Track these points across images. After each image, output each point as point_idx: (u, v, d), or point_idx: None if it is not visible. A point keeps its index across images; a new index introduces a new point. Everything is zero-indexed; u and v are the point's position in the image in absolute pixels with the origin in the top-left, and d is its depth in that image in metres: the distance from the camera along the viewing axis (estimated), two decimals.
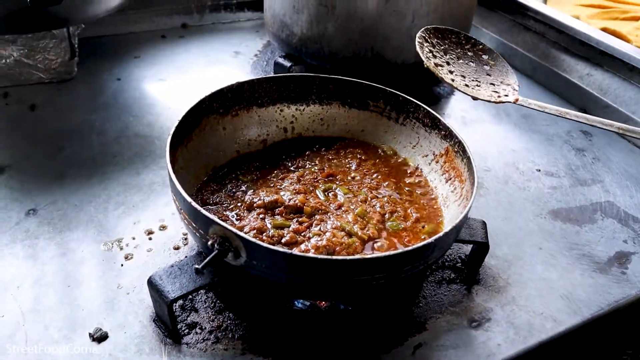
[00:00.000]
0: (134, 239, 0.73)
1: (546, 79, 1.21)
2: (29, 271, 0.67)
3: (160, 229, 0.75)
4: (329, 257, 0.48)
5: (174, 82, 1.12)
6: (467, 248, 0.75)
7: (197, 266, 0.49)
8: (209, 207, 0.67)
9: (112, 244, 0.72)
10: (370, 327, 0.63)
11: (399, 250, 0.49)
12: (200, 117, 0.72)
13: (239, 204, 0.67)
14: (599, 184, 0.92)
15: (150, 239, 0.73)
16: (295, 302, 0.65)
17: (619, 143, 1.04)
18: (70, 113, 0.98)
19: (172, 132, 0.63)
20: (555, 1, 1.61)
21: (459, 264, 0.73)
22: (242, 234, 0.49)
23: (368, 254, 0.60)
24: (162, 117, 1.00)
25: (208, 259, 0.49)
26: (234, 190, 0.70)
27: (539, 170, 0.94)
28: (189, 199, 0.52)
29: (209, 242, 0.51)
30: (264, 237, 0.60)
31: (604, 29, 1.28)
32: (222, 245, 0.50)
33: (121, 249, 0.71)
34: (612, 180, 0.93)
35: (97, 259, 0.69)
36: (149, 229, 0.74)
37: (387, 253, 0.48)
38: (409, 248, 0.50)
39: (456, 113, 1.10)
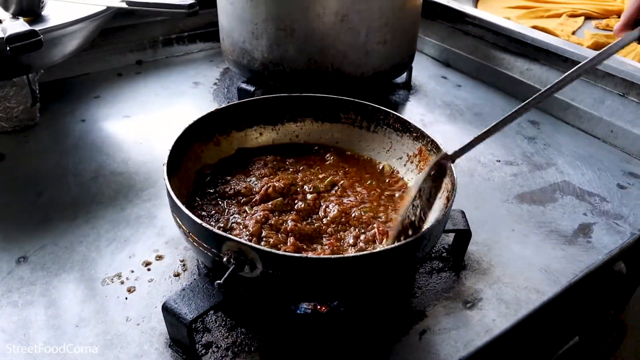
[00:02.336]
0: (132, 272, 0.74)
1: (490, 78, 1.30)
2: (33, 317, 0.66)
3: (157, 259, 0.76)
4: (344, 255, 0.51)
5: (139, 117, 1.13)
6: (449, 239, 0.80)
7: (219, 281, 0.51)
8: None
9: (112, 279, 0.72)
10: (376, 321, 0.67)
11: (403, 242, 0.54)
12: (186, 147, 0.74)
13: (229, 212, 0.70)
14: (553, 166, 1.01)
15: (149, 269, 0.74)
16: (298, 309, 0.68)
17: (564, 128, 1.14)
18: (41, 158, 0.97)
19: (166, 161, 0.65)
20: (485, 6, 1.74)
21: (445, 254, 0.79)
22: (257, 246, 0.52)
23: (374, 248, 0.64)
24: (134, 152, 1.01)
25: (227, 273, 0.52)
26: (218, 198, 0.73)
27: (499, 161, 1.02)
28: (199, 221, 0.55)
29: (225, 259, 0.53)
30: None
31: (534, 27, 1.40)
32: (237, 259, 0.53)
33: (122, 283, 0.72)
34: (564, 162, 1.02)
35: (100, 296, 0.70)
36: (145, 260, 0.75)
37: (393, 245, 0.53)
38: (411, 239, 0.54)
39: (415, 117, 1.17)
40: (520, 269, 0.77)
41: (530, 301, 0.71)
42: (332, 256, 0.52)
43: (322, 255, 0.54)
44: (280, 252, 0.51)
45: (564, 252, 0.80)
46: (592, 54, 1.12)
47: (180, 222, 0.60)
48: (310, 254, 0.59)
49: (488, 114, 1.18)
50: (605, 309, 1.07)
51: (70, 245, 0.78)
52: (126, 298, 0.70)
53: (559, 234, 0.84)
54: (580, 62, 1.12)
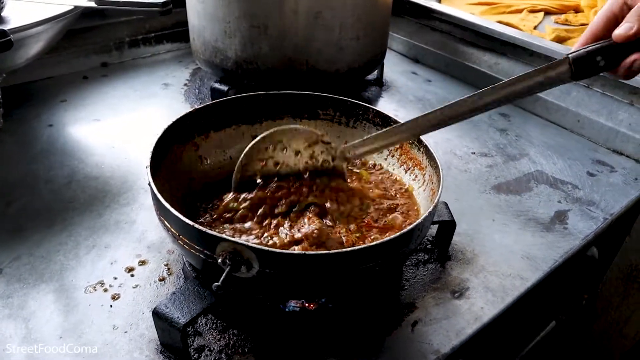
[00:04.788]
0: (115, 278, 0.71)
1: (459, 72, 1.33)
2: (13, 331, 0.63)
3: (140, 264, 0.74)
4: (342, 250, 0.51)
5: (110, 121, 1.10)
6: (432, 231, 0.81)
7: (217, 284, 0.50)
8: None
9: (95, 287, 0.70)
10: (367, 315, 0.68)
11: (398, 234, 0.54)
12: (166, 148, 0.72)
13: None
14: (526, 157, 1.04)
15: (132, 275, 0.72)
16: (286, 307, 0.67)
17: (533, 120, 1.18)
18: (8, 165, 0.93)
19: (149, 163, 0.63)
20: (448, 2, 1.77)
21: (429, 246, 0.80)
22: (253, 245, 0.51)
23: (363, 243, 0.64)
24: (108, 157, 0.98)
25: (224, 275, 0.51)
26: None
27: (474, 153, 1.04)
28: (190, 222, 0.53)
29: (220, 260, 0.52)
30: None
31: (499, 22, 1.43)
32: (233, 260, 0.52)
33: (105, 290, 0.70)
34: (535, 152, 1.05)
35: (83, 305, 0.67)
36: (128, 266, 0.73)
37: (389, 237, 0.53)
38: (405, 230, 0.55)
39: (388, 113, 1.17)
40: (503, 257, 0.79)
41: (515, 288, 0.73)
42: (331, 252, 0.51)
43: (321, 252, 0.54)
44: (278, 250, 0.50)
45: (543, 239, 0.83)
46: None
47: (168, 225, 0.58)
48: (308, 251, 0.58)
49: None
50: (578, 294, 1.11)
51: (47, 254, 0.75)
52: (111, 306, 0.67)
53: (537, 222, 0.86)
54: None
